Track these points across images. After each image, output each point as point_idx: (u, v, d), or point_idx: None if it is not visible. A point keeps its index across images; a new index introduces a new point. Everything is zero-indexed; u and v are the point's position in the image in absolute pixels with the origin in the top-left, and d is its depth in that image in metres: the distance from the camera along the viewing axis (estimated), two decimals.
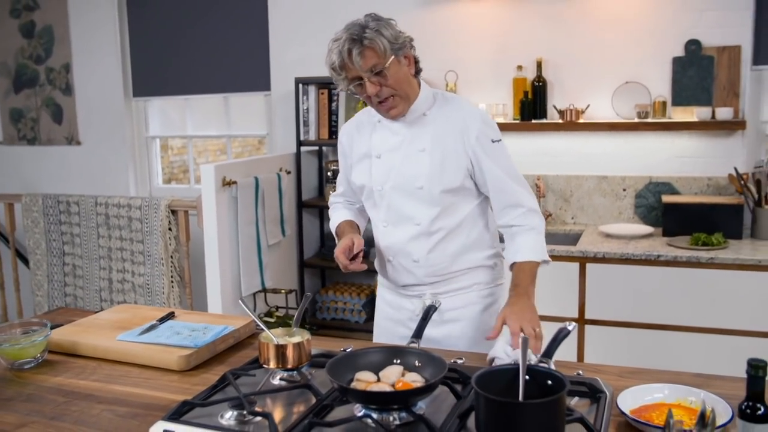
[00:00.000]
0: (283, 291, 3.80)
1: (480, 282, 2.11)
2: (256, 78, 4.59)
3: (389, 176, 2.03)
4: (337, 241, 2.12)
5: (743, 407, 1.22)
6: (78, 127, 5.10)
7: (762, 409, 1.21)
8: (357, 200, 2.25)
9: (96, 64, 4.98)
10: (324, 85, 4.17)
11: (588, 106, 3.79)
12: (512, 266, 1.99)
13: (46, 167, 5.25)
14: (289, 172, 4.11)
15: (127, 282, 4.20)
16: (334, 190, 4.10)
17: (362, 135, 2.12)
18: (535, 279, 1.96)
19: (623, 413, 1.45)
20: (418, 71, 2.02)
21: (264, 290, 3.80)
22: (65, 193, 4.60)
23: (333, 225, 2.25)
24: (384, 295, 2.22)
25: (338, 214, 2.25)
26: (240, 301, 1.90)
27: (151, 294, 4.10)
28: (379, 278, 2.23)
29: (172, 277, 4.06)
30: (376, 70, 1.88)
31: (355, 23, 1.93)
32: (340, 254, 1.99)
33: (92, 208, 4.26)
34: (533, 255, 1.97)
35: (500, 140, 2.01)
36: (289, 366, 1.70)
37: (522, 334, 1.47)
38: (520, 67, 3.88)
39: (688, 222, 3.44)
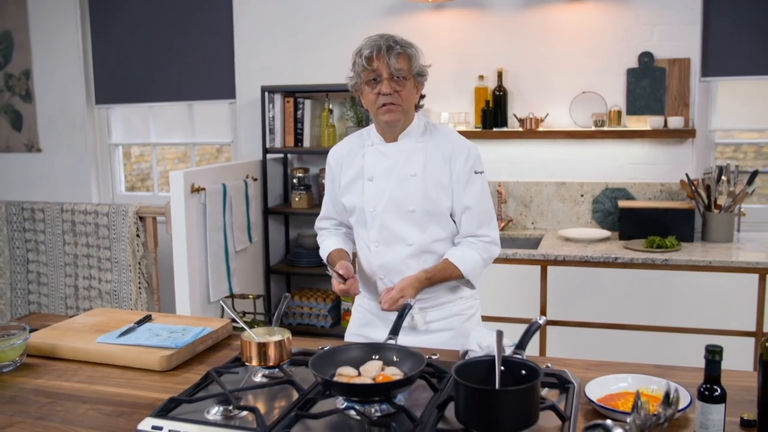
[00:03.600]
0: (251, 296, 3.83)
1: (463, 296, 2.23)
2: (221, 86, 4.62)
3: (382, 198, 2.12)
4: (329, 269, 2.18)
5: (702, 389, 1.33)
6: (38, 134, 5.04)
7: (718, 390, 1.31)
8: (342, 222, 2.33)
9: (57, 71, 4.94)
10: (290, 93, 4.23)
11: (547, 114, 3.93)
12: (444, 259, 2.12)
13: (5, 175, 5.18)
14: (255, 179, 4.15)
15: (93, 289, 4.17)
16: (300, 198, 4.22)
17: (354, 157, 2.21)
18: (443, 280, 2.12)
19: (591, 401, 1.54)
20: (418, 105, 2.16)
21: (231, 296, 3.83)
22: (26, 200, 4.55)
23: (323, 254, 2.30)
24: (366, 306, 2.27)
25: (327, 243, 2.30)
26: (220, 301, 1.95)
27: (118, 300, 4.08)
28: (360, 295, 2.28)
29: (139, 283, 4.05)
30: (398, 75, 2.02)
31: (392, 35, 2.06)
32: (337, 286, 2.09)
33: (58, 215, 4.22)
34: (464, 267, 2.10)
35: (482, 172, 2.15)
36: (271, 363, 1.76)
37: (497, 330, 1.55)
38: (481, 77, 4.00)
39: (643, 226, 3.59)
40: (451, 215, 2.15)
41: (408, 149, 2.13)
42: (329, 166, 2.30)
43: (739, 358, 3.15)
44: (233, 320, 1.97)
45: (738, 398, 1.56)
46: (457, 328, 2.18)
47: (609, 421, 1.11)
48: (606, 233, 3.73)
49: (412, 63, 2.04)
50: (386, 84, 2.02)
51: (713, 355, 1.32)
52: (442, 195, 2.10)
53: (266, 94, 4.20)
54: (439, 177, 2.10)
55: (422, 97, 2.16)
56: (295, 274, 4.41)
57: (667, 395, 1.18)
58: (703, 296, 3.24)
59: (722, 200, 3.61)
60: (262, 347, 1.75)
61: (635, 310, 3.32)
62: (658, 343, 3.28)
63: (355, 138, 2.26)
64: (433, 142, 2.13)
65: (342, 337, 4.04)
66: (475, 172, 2.13)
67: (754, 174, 3.58)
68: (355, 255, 2.33)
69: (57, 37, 4.91)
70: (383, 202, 2.12)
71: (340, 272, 2.06)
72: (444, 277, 2.10)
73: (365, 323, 2.28)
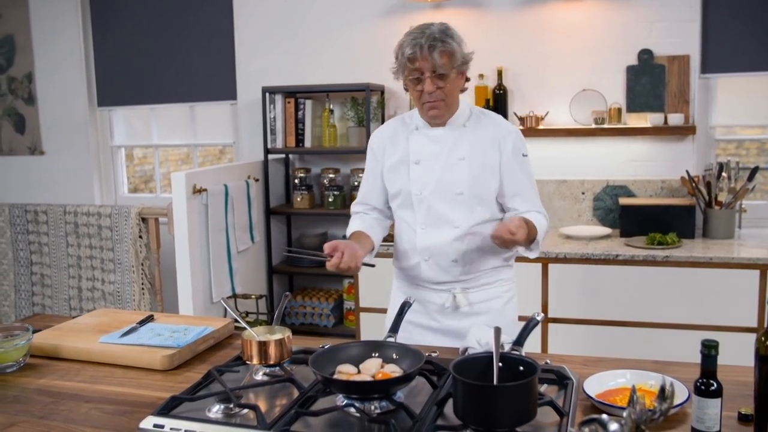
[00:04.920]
0: (253, 296, 3.85)
1: (503, 278, 2.27)
2: (223, 87, 4.63)
3: (429, 182, 2.15)
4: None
5: (698, 384, 1.33)
6: (41, 137, 5.07)
7: (715, 385, 1.32)
8: (374, 207, 2.33)
9: (59, 74, 4.96)
10: (290, 93, 4.24)
11: (547, 113, 3.93)
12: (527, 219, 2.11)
13: (8, 177, 5.20)
14: (257, 180, 4.16)
15: (96, 290, 4.19)
16: (301, 198, 4.24)
17: (397, 141, 2.23)
18: (529, 236, 2.05)
19: (589, 397, 1.55)
20: (463, 89, 2.17)
21: (234, 296, 3.84)
22: (29, 202, 4.57)
23: (347, 235, 2.33)
24: (406, 291, 2.29)
25: (351, 226, 2.32)
26: (221, 301, 1.96)
27: (122, 301, 4.10)
28: (399, 275, 2.33)
29: (142, 284, 4.07)
30: (441, 71, 2.02)
31: (431, 25, 2.06)
32: (327, 264, 2.05)
33: (61, 216, 4.24)
34: (540, 230, 2.12)
35: (527, 155, 2.18)
36: (271, 362, 1.77)
37: (495, 326, 1.56)
38: (481, 76, 4.00)
39: (644, 223, 3.59)
40: (497, 197, 2.17)
41: (455, 134, 2.15)
42: (371, 150, 2.30)
43: (740, 354, 3.13)
44: (235, 320, 1.99)
45: (736, 393, 1.57)
46: (497, 310, 2.22)
47: (605, 416, 1.12)
48: (607, 230, 3.74)
49: (454, 57, 2.03)
50: (429, 83, 2.04)
51: (709, 350, 1.33)
52: (489, 178, 2.13)
53: (267, 94, 4.21)
54: (487, 160, 2.13)
55: (467, 80, 2.17)
56: (298, 273, 4.43)
57: (662, 389, 1.19)
58: (704, 293, 3.24)
59: (723, 197, 3.61)
60: (263, 346, 1.76)
61: (636, 307, 3.32)
62: (659, 340, 3.29)
63: (398, 122, 2.27)
64: (480, 126, 2.16)
65: (344, 335, 4.07)
66: (523, 155, 2.17)
67: (755, 170, 3.58)
68: (389, 238, 2.35)
69: (59, 40, 4.93)
70: (431, 185, 2.14)
71: (326, 252, 2.03)
72: (531, 233, 2.07)
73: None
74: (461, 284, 2.20)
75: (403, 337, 2.26)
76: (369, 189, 2.33)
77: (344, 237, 2.31)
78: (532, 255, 2.18)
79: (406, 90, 2.17)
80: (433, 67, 2.01)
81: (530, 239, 2.07)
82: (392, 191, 2.24)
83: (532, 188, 2.19)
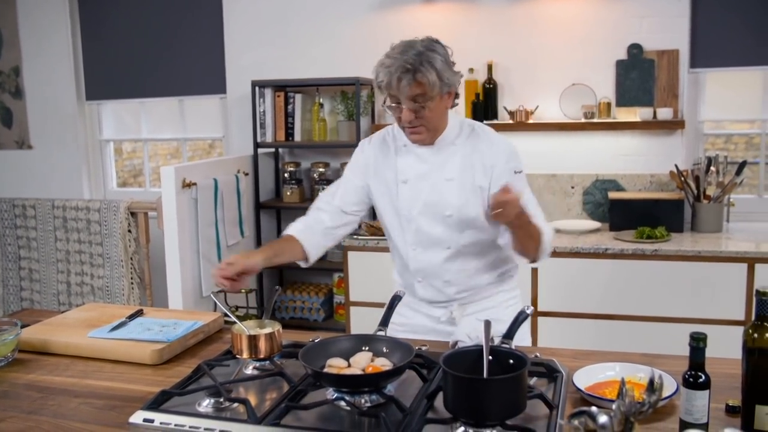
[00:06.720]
0: (243, 290, 3.84)
1: (503, 289, 2.18)
2: (212, 81, 4.61)
3: (417, 202, 2.04)
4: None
5: (686, 376, 1.34)
6: (29, 131, 5.03)
7: (703, 377, 1.33)
8: (330, 216, 2.16)
9: (47, 67, 4.92)
10: (280, 87, 4.23)
11: (537, 107, 3.94)
12: None
13: None
14: (246, 174, 4.15)
15: (86, 285, 4.17)
16: (291, 192, 4.23)
17: (387, 158, 2.11)
18: (529, 231, 1.93)
19: (579, 390, 1.56)
20: (453, 105, 2.02)
21: (224, 290, 3.83)
22: (17, 197, 4.54)
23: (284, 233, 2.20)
24: (403, 312, 2.17)
25: (292, 227, 2.16)
26: (211, 295, 1.96)
27: (111, 296, 4.08)
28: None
29: (132, 278, 4.05)
30: (417, 101, 1.89)
31: (413, 46, 1.89)
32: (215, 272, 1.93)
33: (49, 211, 4.22)
34: (546, 236, 1.99)
35: (521, 171, 2.05)
36: (262, 356, 1.77)
37: (485, 319, 1.56)
38: (471, 70, 4.00)
39: (633, 217, 3.61)
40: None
41: (444, 153, 2.03)
42: (357, 159, 2.17)
43: (728, 347, 3.15)
44: (225, 314, 1.98)
45: (724, 385, 1.58)
46: (499, 315, 2.06)
47: (594, 408, 1.13)
48: (596, 224, 3.75)
49: (430, 87, 1.87)
50: (406, 113, 1.91)
51: (697, 342, 1.34)
52: (479, 199, 2.01)
53: (257, 88, 4.20)
54: (477, 181, 2.01)
55: (456, 96, 2.01)
56: (288, 268, 4.43)
57: (651, 382, 1.20)
58: (693, 286, 3.26)
59: (711, 191, 3.63)
60: (253, 340, 1.76)
61: (626, 301, 3.34)
62: (648, 333, 3.31)
63: (389, 136, 2.14)
64: (470, 144, 2.02)
65: (334, 330, 4.07)
66: (515, 172, 2.02)
67: (743, 164, 3.60)
68: (379, 233, 2.20)
69: (47, 33, 4.89)
70: (418, 206, 2.04)
71: (226, 262, 1.92)
72: (531, 227, 1.93)
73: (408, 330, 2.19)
74: (458, 302, 2.12)
75: (398, 331, 2.20)
76: (337, 194, 2.17)
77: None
78: (539, 260, 2.06)
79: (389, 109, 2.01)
80: (408, 96, 1.88)
81: (530, 234, 1.94)
82: (380, 209, 2.14)
83: (529, 204, 1.96)
